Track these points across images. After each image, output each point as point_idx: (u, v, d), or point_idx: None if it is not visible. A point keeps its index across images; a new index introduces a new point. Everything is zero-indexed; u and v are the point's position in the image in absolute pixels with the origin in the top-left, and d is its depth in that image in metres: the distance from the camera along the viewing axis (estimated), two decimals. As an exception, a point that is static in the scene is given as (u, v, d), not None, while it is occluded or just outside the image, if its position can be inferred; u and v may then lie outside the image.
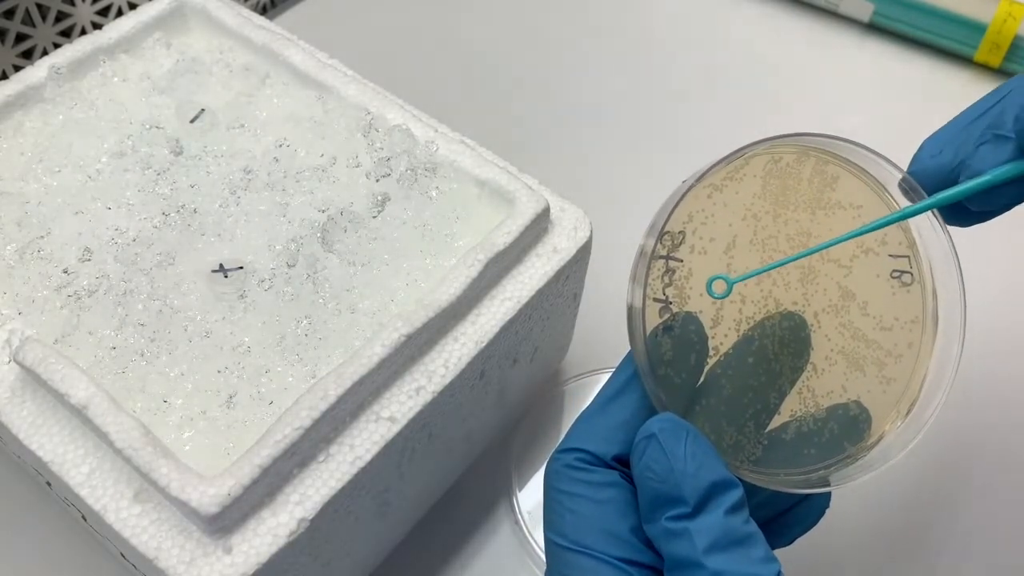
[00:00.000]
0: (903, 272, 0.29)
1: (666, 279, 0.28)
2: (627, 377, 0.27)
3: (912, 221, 0.29)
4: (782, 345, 0.28)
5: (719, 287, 0.28)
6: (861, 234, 0.27)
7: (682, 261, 0.28)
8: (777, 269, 0.28)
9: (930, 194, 0.28)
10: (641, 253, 0.28)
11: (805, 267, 0.29)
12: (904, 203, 0.29)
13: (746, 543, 0.24)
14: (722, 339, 0.28)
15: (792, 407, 0.28)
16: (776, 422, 0.28)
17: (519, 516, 0.38)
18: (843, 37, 0.60)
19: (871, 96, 0.57)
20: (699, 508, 0.24)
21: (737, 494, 0.25)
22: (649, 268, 0.27)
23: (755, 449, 0.28)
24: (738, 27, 0.61)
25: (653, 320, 0.27)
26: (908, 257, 0.29)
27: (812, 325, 0.28)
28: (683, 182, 0.29)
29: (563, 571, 0.25)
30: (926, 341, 0.29)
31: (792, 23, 0.61)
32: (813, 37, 0.60)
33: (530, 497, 0.39)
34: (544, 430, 0.41)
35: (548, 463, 0.27)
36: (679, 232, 0.29)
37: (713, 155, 0.29)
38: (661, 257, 0.28)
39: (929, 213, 0.28)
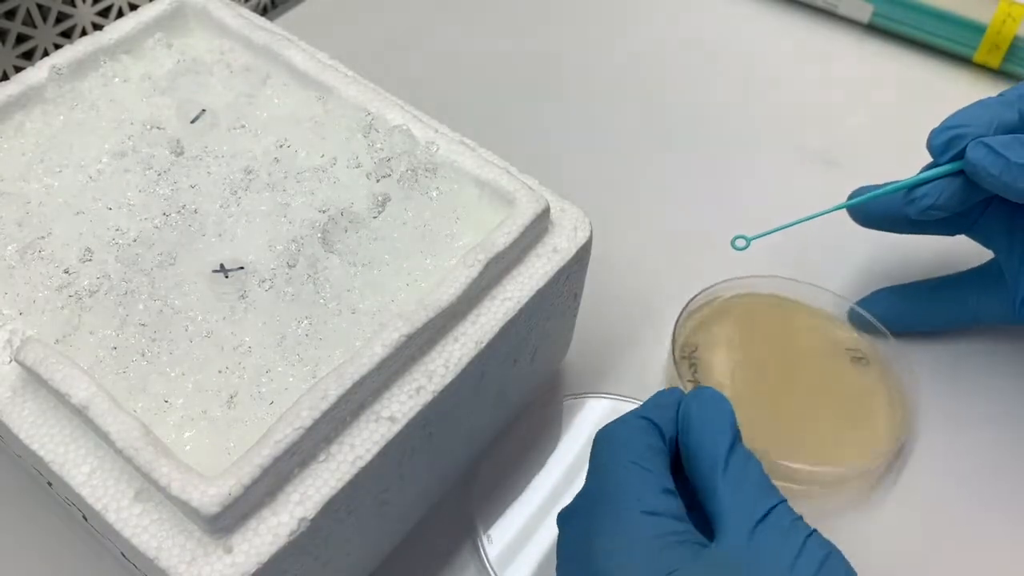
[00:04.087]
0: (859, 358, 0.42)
1: (692, 370, 0.42)
2: None
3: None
4: None
5: (740, 243, 0.38)
6: (826, 213, 0.39)
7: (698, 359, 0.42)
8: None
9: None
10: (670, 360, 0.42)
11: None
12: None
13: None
14: None
15: None
16: None
17: (486, 562, 0.36)
18: (842, 38, 0.60)
19: (870, 97, 0.57)
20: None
21: None
22: (678, 366, 0.41)
23: None
24: (737, 27, 0.61)
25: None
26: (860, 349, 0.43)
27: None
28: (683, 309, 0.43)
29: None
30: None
31: (791, 24, 0.61)
32: (812, 38, 0.61)
33: (499, 540, 0.37)
34: (505, 472, 0.39)
35: None
36: (692, 343, 0.43)
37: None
38: (684, 358, 0.42)
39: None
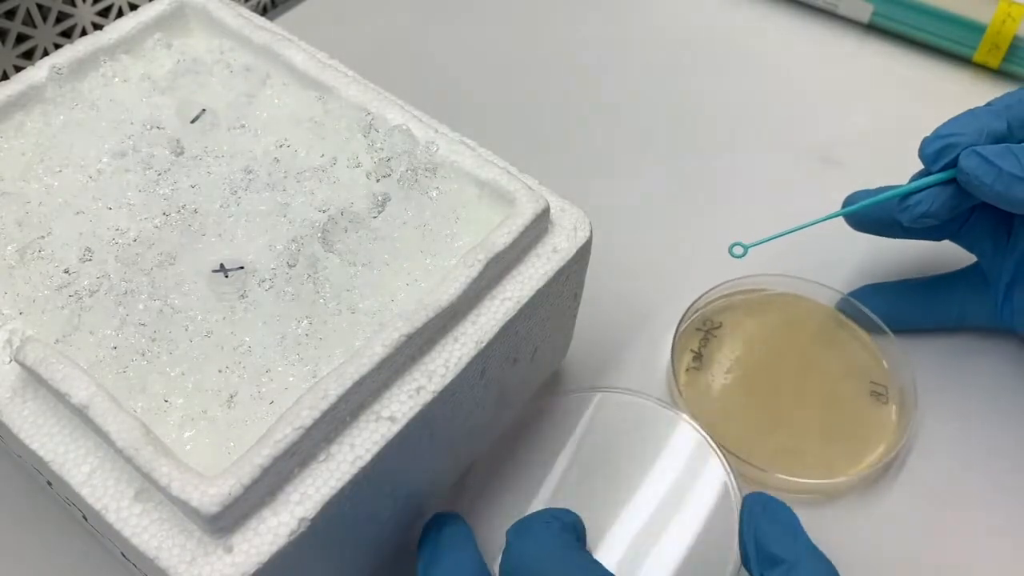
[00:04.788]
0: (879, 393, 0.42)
1: (700, 346, 0.43)
2: None
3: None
4: None
5: (738, 251, 0.38)
6: (823, 221, 0.39)
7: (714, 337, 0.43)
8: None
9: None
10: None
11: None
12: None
13: None
14: None
15: None
16: None
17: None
18: (842, 38, 0.60)
19: (870, 97, 0.57)
20: None
21: None
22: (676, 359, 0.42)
23: None
24: (737, 28, 0.61)
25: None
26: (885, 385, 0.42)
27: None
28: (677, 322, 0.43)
29: None
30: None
31: (791, 24, 0.61)
32: (812, 38, 0.61)
33: (499, 539, 0.32)
34: (504, 471, 0.38)
35: None
36: (717, 321, 0.44)
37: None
38: (699, 330, 0.43)
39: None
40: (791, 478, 0.38)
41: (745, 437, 0.39)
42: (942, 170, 0.37)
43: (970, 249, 0.42)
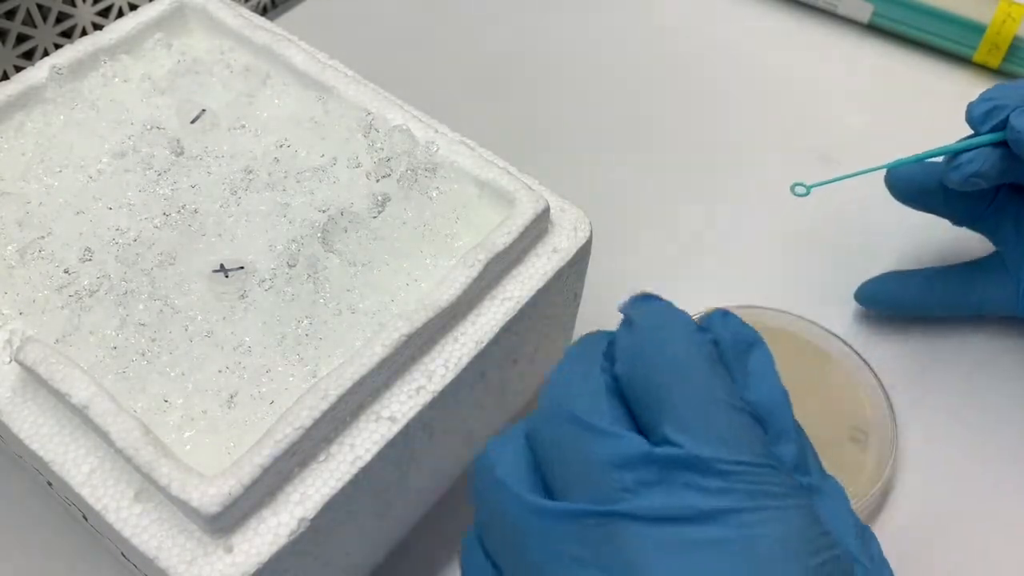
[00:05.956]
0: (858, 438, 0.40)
1: None
2: None
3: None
4: None
5: (800, 190, 0.39)
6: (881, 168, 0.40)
7: None
8: None
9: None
10: None
11: None
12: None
13: None
14: None
15: None
16: None
17: None
18: (842, 38, 0.60)
19: (870, 97, 0.57)
20: None
21: None
22: None
23: None
24: (737, 28, 0.61)
25: None
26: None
27: None
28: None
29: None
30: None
31: (791, 24, 0.61)
32: (812, 38, 0.60)
33: None
34: None
35: None
36: None
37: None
38: None
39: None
40: None
41: None
42: (990, 132, 0.37)
43: (992, 236, 0.42)
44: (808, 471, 0.25)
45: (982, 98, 0.37)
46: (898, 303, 0.44)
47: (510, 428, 0.26)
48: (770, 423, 0.25)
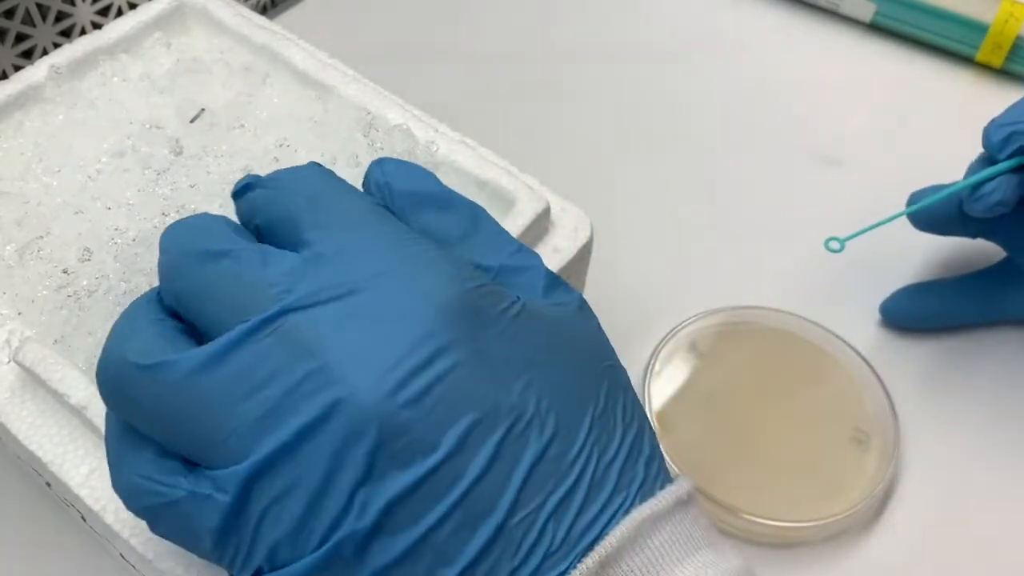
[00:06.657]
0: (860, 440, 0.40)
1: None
2: None
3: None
4: None
5: (834, 245, 0.38)
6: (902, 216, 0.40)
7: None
8: None
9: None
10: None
11: None
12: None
13: None
14: None
15: None
16: None
17: None
18: (844, 37, 0.60)
19: (872, 96, 0.57)
20: None
21: None
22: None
23: None
24: (738, 27, 0.61)
25: None
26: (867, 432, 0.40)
27: None
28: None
29: None
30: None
31: (792, 23, 0.61)
32: (814, 38, 0.60)
33: None
34: None
35: None
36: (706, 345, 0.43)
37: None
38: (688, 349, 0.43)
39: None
40: (754, 516, 0.36)
41: (712, 466, 0.38)
42: (1010, 157, 0.37)
43: (1005, 247, 0.41)
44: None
45: (999, 124, 0.37)
46: (918, 318, 0.43)
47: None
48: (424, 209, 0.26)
